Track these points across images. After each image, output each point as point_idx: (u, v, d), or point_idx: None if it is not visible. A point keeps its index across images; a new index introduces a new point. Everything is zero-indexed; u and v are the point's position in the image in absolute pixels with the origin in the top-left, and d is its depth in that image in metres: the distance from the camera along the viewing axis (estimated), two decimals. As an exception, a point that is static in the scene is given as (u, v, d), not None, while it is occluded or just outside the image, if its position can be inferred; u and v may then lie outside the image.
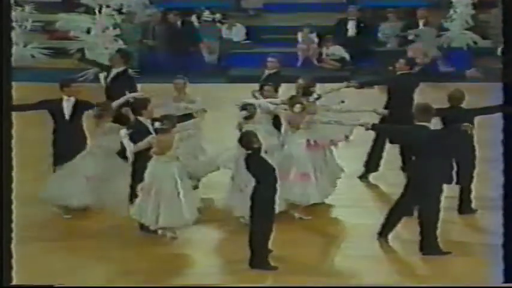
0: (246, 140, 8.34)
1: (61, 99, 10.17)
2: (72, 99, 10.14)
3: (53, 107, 10.18)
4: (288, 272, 8.15)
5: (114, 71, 11.62)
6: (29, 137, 11.04)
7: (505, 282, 7.07)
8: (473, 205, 9.72)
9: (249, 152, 8.29)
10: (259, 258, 8.17)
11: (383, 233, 8.85)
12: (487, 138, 9.30)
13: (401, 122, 10.38)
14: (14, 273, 6.55)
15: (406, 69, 11.21)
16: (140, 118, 9.13)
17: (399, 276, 8.20)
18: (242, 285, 7.97)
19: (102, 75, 15.77)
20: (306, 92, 10.20)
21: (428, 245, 8.47)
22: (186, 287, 7.98)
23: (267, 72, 11.68)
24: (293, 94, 10.16)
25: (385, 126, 9.97)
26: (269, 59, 11.76)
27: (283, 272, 8.14)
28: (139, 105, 9.27)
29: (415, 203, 8.64)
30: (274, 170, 8.29)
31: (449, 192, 9.85)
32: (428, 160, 8.49)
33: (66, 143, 9.91)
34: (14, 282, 6.60)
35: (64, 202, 9.46)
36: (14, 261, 6.55)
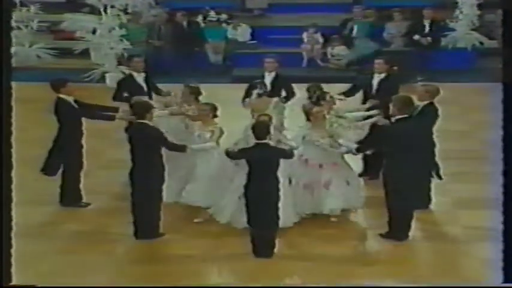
0: (259, 129, 8.36)
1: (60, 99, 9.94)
2: (72, 98, 9.99)
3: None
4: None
5: (141, 76, 11.15)
6: (30, 136, 11.08)
7: (505, 282, 7.05)
8: (474, 205, 9.72)
9: (259, 142, 8.28)
10: (263, 248, 8.29)
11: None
12: (487, 138, 9.29)
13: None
14: (13, 273, 6.49)
15: (384, 69, 10.88)
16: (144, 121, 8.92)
17: (398, 274, 8.19)
18: (242, 285, 7.93)
19: (108, 76, 15.83)
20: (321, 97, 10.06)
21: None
22: (186, 287, 7.94)
23: (267, 76, 11.30)
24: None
25: (367, 144, 9.48)
26: (267, 59, 11.39)
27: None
28: (143, 109, 9.04)
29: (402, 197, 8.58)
30: (277, 166, 8.25)
31: (449, 191, 9.89)
32: (411, 151, 8.49)
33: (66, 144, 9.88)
34: (14, 282, 6.55)
35: None
36: (13, 261, 6.50)
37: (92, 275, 8.11)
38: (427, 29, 16.78)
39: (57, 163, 9.89)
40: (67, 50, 16.27)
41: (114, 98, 11.02)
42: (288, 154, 8.62)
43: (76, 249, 8.77)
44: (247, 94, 11.14)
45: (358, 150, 9.09)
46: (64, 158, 9.88)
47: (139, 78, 11.14)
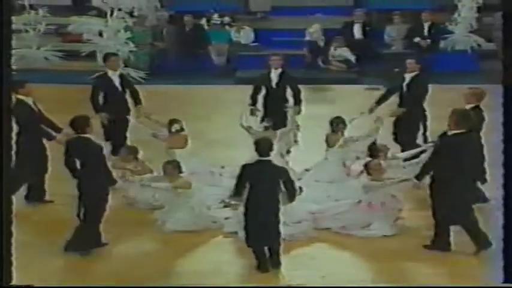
0: (262, 146, 8.00)
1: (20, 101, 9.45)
2: (30, 99, 9.64)
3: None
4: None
5: (116, 75, 11.11)
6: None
7: (505, 282, 6.87)
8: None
9: (261, 158, 7.95)
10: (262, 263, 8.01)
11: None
12: (488, 139, 9.15)
13: (411, 124, 10.54)
14: (13, 273, 6.26)
15: (416, 69, 11.01)
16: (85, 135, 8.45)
17: (399, 274, 8.07)
18: (242, 285, 7.78)
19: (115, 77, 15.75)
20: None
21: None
22: (186, 287, 7.80)
23: (273, 73, 11.22)
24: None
25: (425, 168, 8.64)
26: (273, 56, 11.36)
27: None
28: (83, 123, 8.50)
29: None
30: (278, 183, 7.88)
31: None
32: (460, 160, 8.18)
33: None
34: (14, 282, 6.31)
35: None
36: (13, 261, 6.29)
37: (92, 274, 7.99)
38: (426, 31, 16.71)
39: (21, 173, 9.30)
40: (74, 52, 16.20)
41: (92, 97, 10.96)
42: (289, 177, 8.09)
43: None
44: (255, 93, 11.31)
45: (418, 178, 8.64)
46: (27, 163, 9.42)
47: (115, 76, 11.10)
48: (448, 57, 16.30)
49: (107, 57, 11.52)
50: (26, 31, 16.48)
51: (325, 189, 9.92)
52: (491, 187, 8.99)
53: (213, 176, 10.38)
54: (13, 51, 17.64)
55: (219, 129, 12.74)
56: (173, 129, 10.36)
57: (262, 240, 7.98)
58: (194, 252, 8.70)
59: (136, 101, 11.22)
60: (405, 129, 10.78)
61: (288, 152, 10.82)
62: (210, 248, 8.78)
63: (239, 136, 10.70)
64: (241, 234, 8.37)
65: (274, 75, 11.22)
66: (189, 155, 10.36)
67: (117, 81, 11.07)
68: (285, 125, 10.74)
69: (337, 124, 10.34)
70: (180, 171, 9.36)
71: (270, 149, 8.04)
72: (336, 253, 8.72)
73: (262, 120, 10.75)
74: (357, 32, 16.92)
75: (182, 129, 10.45)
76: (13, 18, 17.56)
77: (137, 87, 15.28)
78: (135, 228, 9.19)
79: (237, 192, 8.07)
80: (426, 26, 16.70)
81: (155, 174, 9.74)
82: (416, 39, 16.54)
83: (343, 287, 7.79)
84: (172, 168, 9.33)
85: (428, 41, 16.55)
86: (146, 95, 15.03)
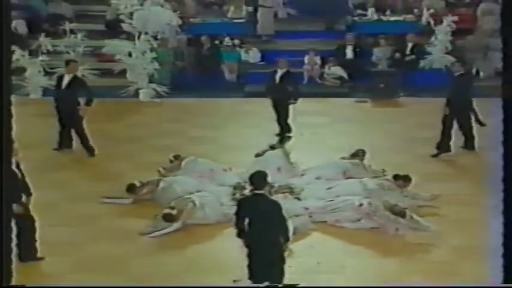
0: (257, 179, 7.01)
1: None
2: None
3: None
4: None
5: (67, 77, 11.79)
6: (30, 136, 10.88)
7: (505, 282, 5.93)
8: (473, 206, 9.31)
9: (257, 192, 6.97)
10: None
11: None
12: (488, 140, 8.82)
13: (460, 118, 10.95)
14: (13, 273, 5.61)
15: (462, 70, 11.59)
16: None
17: (398, 274, 7.87)
18: (241, 285, 7.23)
19: (141, 92, 15.86)
20: None
21: None
22: (187, 287, 7.44)
23: (279, 71, 12.38)
24: None
25: None
26: (280, 59, 12.72)
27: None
28: None
29: None
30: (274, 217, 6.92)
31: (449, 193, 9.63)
32: None
33: None
34: (14, 282, 5.65)
35: None
36: (14, 261, 5.59)
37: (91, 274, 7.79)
38: (408, 51, 16.76)
39: None
40: (108, 71, 16.26)
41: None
42: (281, 213, 7.00)
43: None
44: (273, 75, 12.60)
45: None
46: None
47: (67, 78, 11.74)
48: (426, 75, 16.34)
49: (67, 62, 12.43)
50: (67, 52, 16.53)
51: (326, 185, 9.86)
52: (491, 191, 8.42)
53: (214, 173, 10.37)
54: (55, 70, 17.79)
55: (230, 136, 12.82)
56: (172, 158, 10.54)
57: (265, 278, 6.75)
58: (209, 242, 8.74)
59: (87, 100, 11.79)
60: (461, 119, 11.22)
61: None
62: (222, 238, 8.74)
63: (247, 142, 10.79)
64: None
65: (279, 73, 12.55)
66: (192, 161, 10.38)
67: (65, 82, 11.78)
68: (287, 114, 12.16)
69: (360, 152, 10.59)
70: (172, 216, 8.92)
71: (265, 182, 7.03)
72: (330, 242, 8.73)
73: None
74: (349, 53, 17.01)
75: (178, 156, 10.58)
76: (56, 41, 17.67)
77: (161, 100, 15.48)
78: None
79: (238, 223, 7.08)
80: (410, 45, 16.75)
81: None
82: (397, 55, 16.61)
83: (346, 287, 7.49)
84: (168, 216, 8.91)
85: (413, 56, 16.59)
86: (169, 107, 15.17)
